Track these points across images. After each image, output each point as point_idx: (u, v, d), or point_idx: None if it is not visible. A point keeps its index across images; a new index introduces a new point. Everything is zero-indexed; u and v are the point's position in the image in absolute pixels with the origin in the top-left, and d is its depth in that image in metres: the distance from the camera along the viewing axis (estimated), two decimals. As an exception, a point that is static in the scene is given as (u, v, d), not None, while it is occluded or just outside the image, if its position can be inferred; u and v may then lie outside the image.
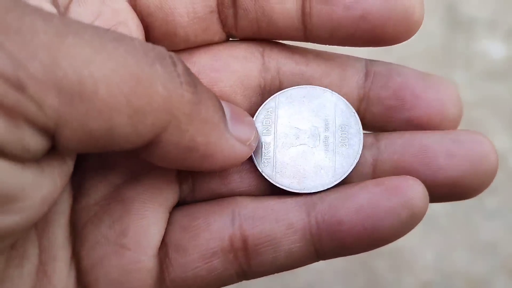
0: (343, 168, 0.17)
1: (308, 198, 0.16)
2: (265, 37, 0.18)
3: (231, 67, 0.17)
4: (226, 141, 0.15)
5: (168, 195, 0.17)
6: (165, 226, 0.17)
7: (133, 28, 0.16)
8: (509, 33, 0.52)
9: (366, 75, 0.18)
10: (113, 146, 0.13)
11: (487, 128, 0.49)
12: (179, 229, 0.17)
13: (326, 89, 0.18)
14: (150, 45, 0.14)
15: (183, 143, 0.14)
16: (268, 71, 0.18)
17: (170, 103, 0.13)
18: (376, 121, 0.18)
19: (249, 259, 0.16)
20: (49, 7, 0.15)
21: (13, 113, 0.11)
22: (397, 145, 0.16)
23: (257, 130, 0.17)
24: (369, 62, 0.18)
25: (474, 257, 0.44)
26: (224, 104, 0.16)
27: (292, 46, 0.18)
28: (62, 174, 0.14)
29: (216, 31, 0.17)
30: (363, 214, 0.15)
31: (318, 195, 0.16)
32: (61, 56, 0.11)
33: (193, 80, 0.14)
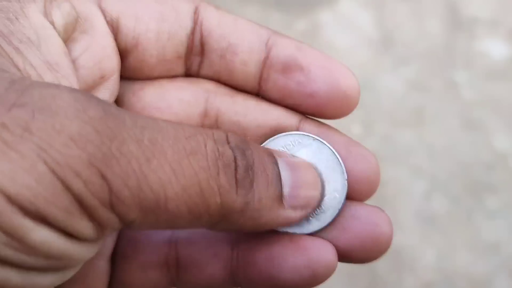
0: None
1: (237, 235, 0.19)
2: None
3: (174, 109, 0.20)
4: (279, 216, 0.17)
5: None
6: (116, 236, 0.19)
7: (115, 64, 0.19)
8: (510, 33, 0.52)
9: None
10: (174, 228, 0.16)
11: (488, 127, 0.49)
12: (126, 241, 0.19)
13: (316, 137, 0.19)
14: (220, 149, 0.16)
15: (235, 228, 0.16)
16: (207, 117, 0.20)
17: (223, 210, 0.16)
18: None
19: (178, 275, 0.19)
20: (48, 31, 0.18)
21: (103, 225, 0.14)
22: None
23: (320, 188, 0.18)
24: (303, 118, 0.20)
25: (475, 257, 0.44)
26: (287, 172, 0.17)
27: (236, 92, 0.20)
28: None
29: (178, 73, 0.20)
30: (272, 263, 0.18)
31: (245, 234, 0.19)
32: (145, 182, 0.14)
33: (250, 180, 0.16)
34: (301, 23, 0.54)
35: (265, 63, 0.19)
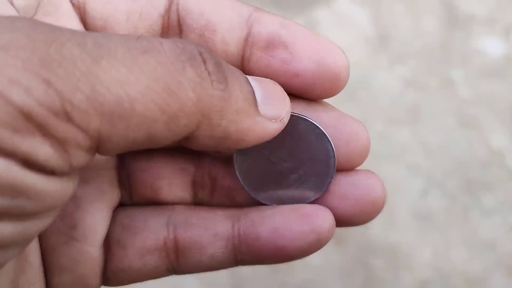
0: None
1: (236, 211, 0.19)
2: None
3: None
4: (257, 124, 0.16)
5: (112, 197, 0.19)
6: (109, 223, 0.19)
7: None
8: (506, 31, 0.52)
9: None
10: (153, 146, 0.15)
11: (484, 125, 0.49)
12: (120, 227, 0.19)
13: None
14: (180, 45, 0.15)
15: (217, 135, 0.15)
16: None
17: (201, 105, 0.14)
18: None
19: (178, 259, 0.19)
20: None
21: (63, 142, 0.13)
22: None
23: (289, 103, 0.18)
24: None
25: (471, 255, 0.44)
26: (256, 81, 0.17)
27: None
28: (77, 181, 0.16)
29: None
30: (277, 234, 0.18)
31: (244, 210, 0.19)
32: (98, 82, 0.13)
33: (223, 74, 0.15)
34: (298, 21, 0.54)
35: (247, 41, 0.18)
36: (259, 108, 0.16)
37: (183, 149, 0.19)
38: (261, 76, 0.18)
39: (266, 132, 0.16)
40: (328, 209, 0.18)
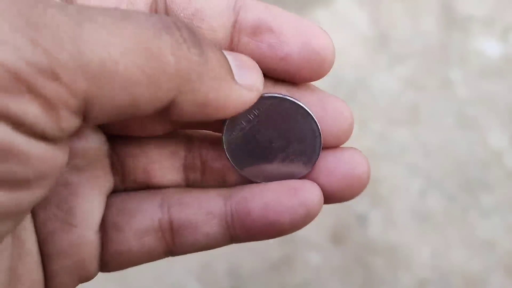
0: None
1: (227, 190, 0.19)
2: None
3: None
4: (234, 91, 0.17)
5: (106, 183, 0.20)
6: (104, 208, 0.19)
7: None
8: (504, 31, 0.52)
9: None
10: (138, 113, 0.15)
11: (483, 125, 0.49)
12: (116, 211, 0.19)
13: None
14: (154, 16, 0.15)
15: (197, 101, 0.16)
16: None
17: (181, 68, 0.15)
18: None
19: (174, 239, 0.19)
20: None
21: (51, 101, 0.13)
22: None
23: (261, 73, 0.19)
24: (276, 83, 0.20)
25: (470, 255, 0.45)
26: (227, 54, 0.18)
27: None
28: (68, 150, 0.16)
29: None
30: (268, 208, 0.18)
31: (236, 188, 0.19)
32: (83, 43, 0.13)
33: (198, 41, 0.16)
34: (296, 21, 0.54)
35: (234, 27, 0.18)
36: (235, 76, 0.17)
37: (173, 135, 0.20)
38: None
39: (244, 100, 0.17)
40: (315, 183, 0.19)
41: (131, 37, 0.14)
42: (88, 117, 0.14)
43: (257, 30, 0.18)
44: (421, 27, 0.53)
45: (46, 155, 0.14)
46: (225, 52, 0.17)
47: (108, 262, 0.19)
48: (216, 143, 0.20)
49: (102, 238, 0.19)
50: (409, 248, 0.45)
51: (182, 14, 0.18)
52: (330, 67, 0.18)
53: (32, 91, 0.13)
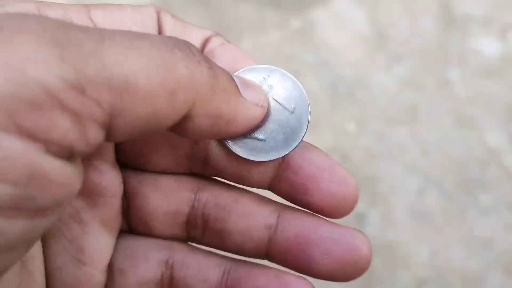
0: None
1: (228, 262, 0.20)
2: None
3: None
4: (243, 104, 0.18)
5: (116, 224, 0.21)
6: (113, 249, 0.20)
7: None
8: (503, 31, 0.52)
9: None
10: (158, 126, 0.16)
11: (481, 125, 0.49)
12: (123, 256, 0.20)
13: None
14: (166, 36, 0.16)
15: (211, 112, 0.16)
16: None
17: (194, 80, 0.16)
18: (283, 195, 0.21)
19: None
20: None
21: (79, 115, 0.13)
22: (292, 233, 0.20)
23: (265, 93, 0.19)
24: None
25: (468, 254, 0.45)
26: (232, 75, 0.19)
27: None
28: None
29: None
30: None
31: (237, 262, 0.20)
32: (105, 59, 0.14)
33: (207, 58, 0.17)
34: (296, 21, 0.54)
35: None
36: (241, 92, 0.18)
37: (178, 189, 0.21)
38: None
39: (253, 114, 0.18)
40: (309, 282, 0.19)
41: (148, 52, 0.15)
42: (111, 132, 0.15)
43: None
44: (420, 27, 0.53)
45: (64, 178, 0.14)
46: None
47: None
48: (221, 203, 0.21)
49: (107, 279, 0.20)
50: (407, 246, 0.45)
51: None
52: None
53: (62, 105, 0.13)
